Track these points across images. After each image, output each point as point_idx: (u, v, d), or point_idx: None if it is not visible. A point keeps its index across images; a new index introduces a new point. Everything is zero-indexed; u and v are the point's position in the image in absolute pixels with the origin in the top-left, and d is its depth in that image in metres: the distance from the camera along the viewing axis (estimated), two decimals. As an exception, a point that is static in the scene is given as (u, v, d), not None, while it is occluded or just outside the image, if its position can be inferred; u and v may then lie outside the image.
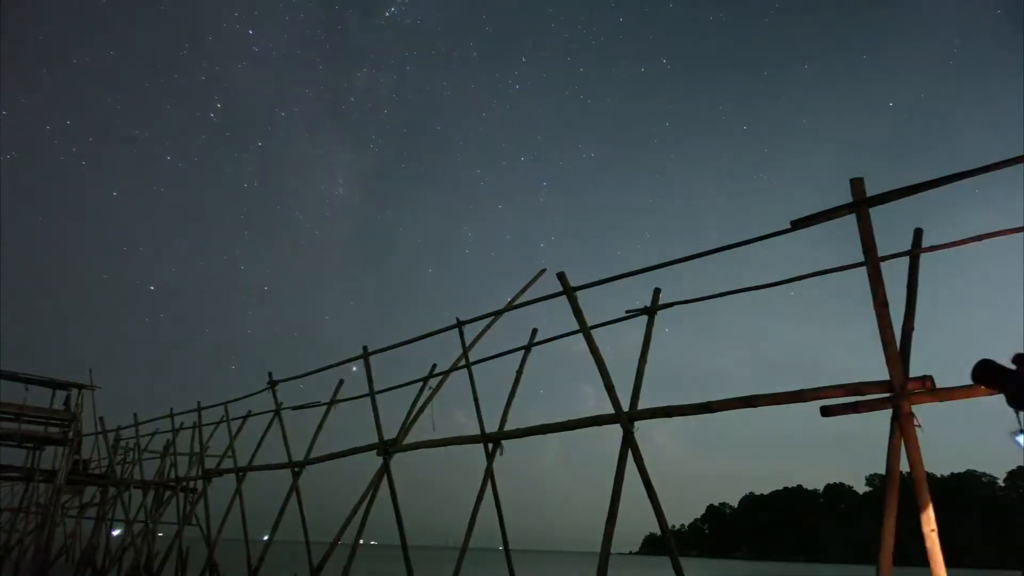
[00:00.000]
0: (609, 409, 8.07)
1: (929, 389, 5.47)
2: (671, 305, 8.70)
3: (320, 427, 13.77)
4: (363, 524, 11.47)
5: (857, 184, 5.53)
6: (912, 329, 6.10)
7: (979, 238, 6.68)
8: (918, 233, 6.74)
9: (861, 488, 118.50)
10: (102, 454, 23.95)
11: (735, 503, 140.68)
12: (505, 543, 10.99)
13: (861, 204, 5.54)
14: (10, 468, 22.38)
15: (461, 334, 11.19)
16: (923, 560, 5.49)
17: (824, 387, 6.04)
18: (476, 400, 10.97)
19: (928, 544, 5.17)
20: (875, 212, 5.60)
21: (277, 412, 15.26)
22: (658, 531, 8.04)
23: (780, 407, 6.48)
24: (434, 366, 11.76)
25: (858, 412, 5.81)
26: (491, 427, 10.30)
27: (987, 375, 1.96)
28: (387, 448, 11.40)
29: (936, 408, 5.61)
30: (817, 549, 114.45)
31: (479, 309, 11.09)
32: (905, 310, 6.18)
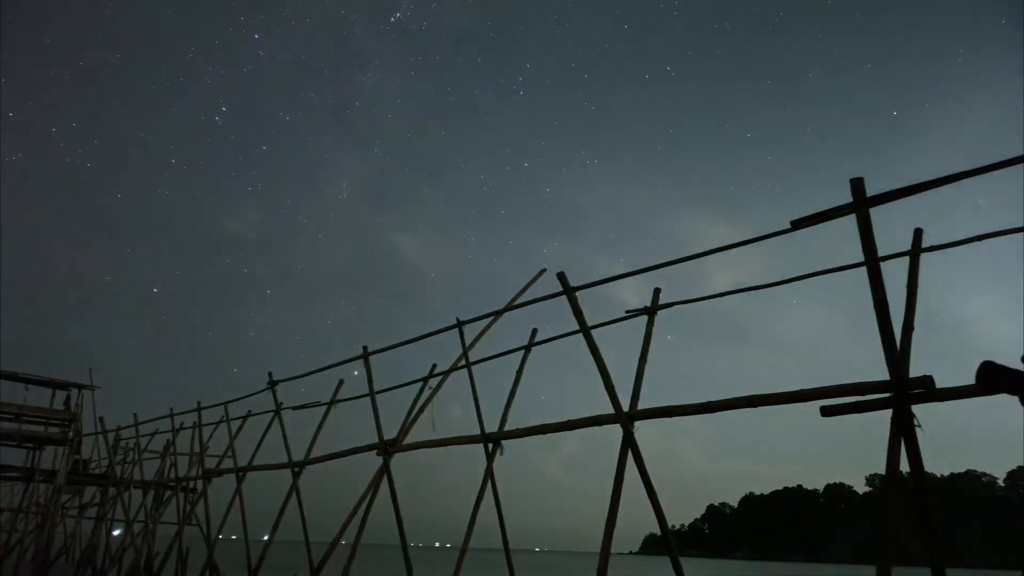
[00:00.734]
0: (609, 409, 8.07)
1: (929, 389, 5.47)
2: (671, 305, 8.70)
3: (320, 427, 13.77)
4: (363, 524, 11.47)
5: (857, 184, 5.52)
6: (912, 329, 6.08)
7: (979, 238, 6.69)
8: (918, 233, 6.74)
9: (861, 488, 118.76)
10: (102, 454, 23.96)
11: (735, 503, 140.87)
12: (505, 543, 10.98)
13: (861, 204, 5.54)
14: (10, 468, 22.38)
15: (461, 334, 11.19)
16: (923, 560, 5.50)
17: (824, 387, 6.03)
18: (476, 400, 10.96)
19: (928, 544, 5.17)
20: (875, 212, 5.59)
21: (277, 412, 15.25)
22: (658, 531, 8.04)
23: (780, 407, 6.49)
24: (434, 366, 11.76)
25: (858, 412, 5.81)
26: (491, 427, 10.32)
27: (994, 377, 1.94)
28: (387, 448, 11.40)
29: (936, 408, 5.61)
30: (817, 549, 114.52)
31: (479, 311, 11.07)
32: (905, 310, 6.17)
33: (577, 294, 8.73)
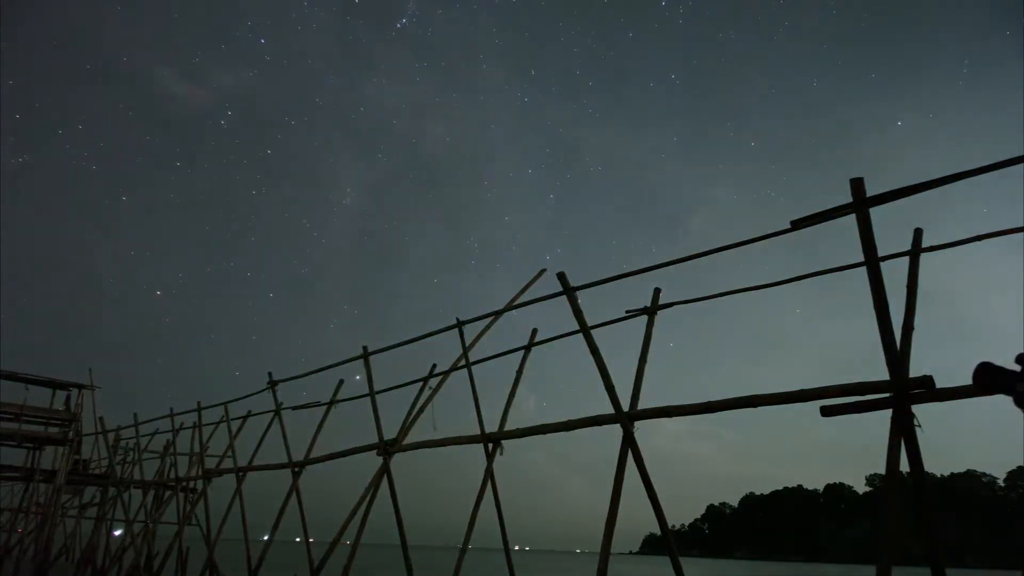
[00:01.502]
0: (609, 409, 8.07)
1: (929, 389, 5.47)
2: (671, 305, 8.69)
3: (320, 427, 13.78)
4: (363, 524, 11.47)
5: (857, 184, 5.52)
6: (912, 329, 6.08)
7: (979, 238, 6.69)
8: (918, 233, 6.74)
9: (861, 488, 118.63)
10: (102, 454, 23.97)
11: (735, 503, 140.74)
12: (505, 543, 10.98)
13: (861, 204, 5.54)
14: (10, 468, 22.38)
15: (461, 334, 11.19)
16: (923, 560, 5.50)
17: (824, 387, 6.04)
18: (476, 400, 10.96)
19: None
20: (875, 212, 5.59)
21: (277, 412, 15.25)
22: (658, 531, 8.04)
23: (780, 407, 6.49)
24: (434, 366, 11.76)
25: (858, 412, 5.81)
26: (491, 427, 10.32)
27: (990, 378, 1.93)
28: (387, 448, 11.40)
29: (936, 408, 5.61)
30: (817, 549, 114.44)
31: (481, 313, 11.07)
32: (905, 310, 6.17)
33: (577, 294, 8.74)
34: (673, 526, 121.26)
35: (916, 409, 5.53)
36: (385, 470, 11.37)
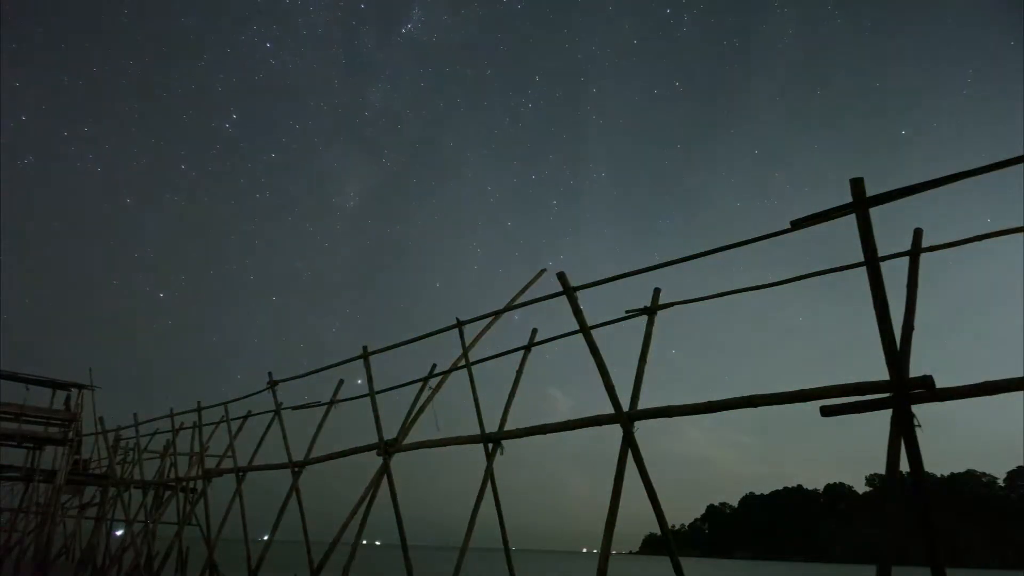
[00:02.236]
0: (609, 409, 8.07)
1: (929, 389, 5.47)
2: (671, 305, 8.70)
3: (320, 427, 13.78)
4: (363, 524, 11.47)
5: (857, 184, 5.52)
6: (912, 329, 6.09)
7: (979, 238, 6.71)
8: (918, 233, 6.74)
9: (861, 488, 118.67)
10: (102, 454, 23.96)
11: (735, 503, 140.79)
12: (505, 543, 10.98)
13: (861, 204, 5.54)
14: (10, 468, 22.39)
15: (461, 334, 11.19)
16: (923, 560, 5.49)
17: (824, 387, 6.03)
18: (476, 400, 10.97)
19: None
20: (875, 212, 5.59)
21: (277, 412, 15.26)
22: (658, 531, 8.04)
23: (780, 407, 6.49)
24: (434, 366, 11.77)
25: (858, 412, 5.81)
26: (491, 427, 10.32)
27: None
28: (387, 448, 11.41)
29: (936, 408, 5.61)
30: (817, 549, 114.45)
31: (480, 311, 11.07)
32: (905, 310, 6.18)
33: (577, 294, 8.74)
34: (673, 526, 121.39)
35: (916, 409, 5.53)
36: (385, 470, 11.37)
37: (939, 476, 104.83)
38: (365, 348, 12.56)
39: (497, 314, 10.99)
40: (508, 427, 10.12)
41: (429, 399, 11.47)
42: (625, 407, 7.93)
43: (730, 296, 8.44)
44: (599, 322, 9.02)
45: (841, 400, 5.90)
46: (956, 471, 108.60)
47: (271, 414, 15.46)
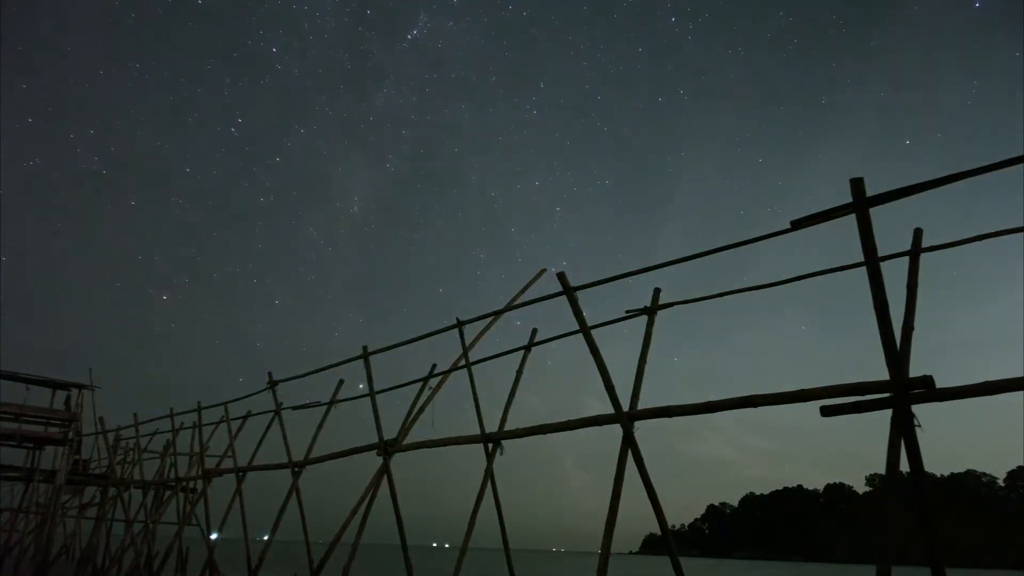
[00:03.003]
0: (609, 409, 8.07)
1: (929, 389, 5.46)
2: (671, 305, 8.69)
3: (320, 427, 13.77)
4: (363, 524, 11.46)
5: (857, 184, 5.52)
6: (912, 329, 6.09)
7: (979, 238, 6.70)
8: (918, 233, 6.74)
9: (861, 488, 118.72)
10: (102, 454, 23.97)
11: (735, 503, 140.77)
12: (505, 543, 10.98)
13: (861, 204, 5.53)
14: (10, 468, 22.38)
15: (461, 334, 11.19)
16: (923, 560, 5.49)
17: (824, 387, 6.03)
18: (476, 400, 10.96)
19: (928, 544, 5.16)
20: (875, 212, 5.59)
21: (277, 412, 15.25)
22: (658, 531, 8.04)
23: (780, 407, 6.48)
24: (434, 366, 11.76)
25: (858, 412, 5.80)
26: (491, 427, 10.32)
27: None
28: (387, 448, 11.40)
29: (936, 408, 5.61)
30: (817, 549, 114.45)
31: (479, 311, 11.07)
32: (905, 310, 6.17)
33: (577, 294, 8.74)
34: (673, 526, 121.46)
35: (916, 409, 5.53)
36: (385, 470, 11.37)
37: (939, 476, 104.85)
38: (365, 348, 12.56)
39: (497, 314, 10.99)
40: (508, 427, 10.12)
41: (429, 399, 11.47)
42: (625, 407, 7.94)
43: (730, 296, 8.44)
44: (599, 322, 9.03)
45: (841, 400, 5.89)
46: (956, 471, 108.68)
47: (271, 414, 15.46)
